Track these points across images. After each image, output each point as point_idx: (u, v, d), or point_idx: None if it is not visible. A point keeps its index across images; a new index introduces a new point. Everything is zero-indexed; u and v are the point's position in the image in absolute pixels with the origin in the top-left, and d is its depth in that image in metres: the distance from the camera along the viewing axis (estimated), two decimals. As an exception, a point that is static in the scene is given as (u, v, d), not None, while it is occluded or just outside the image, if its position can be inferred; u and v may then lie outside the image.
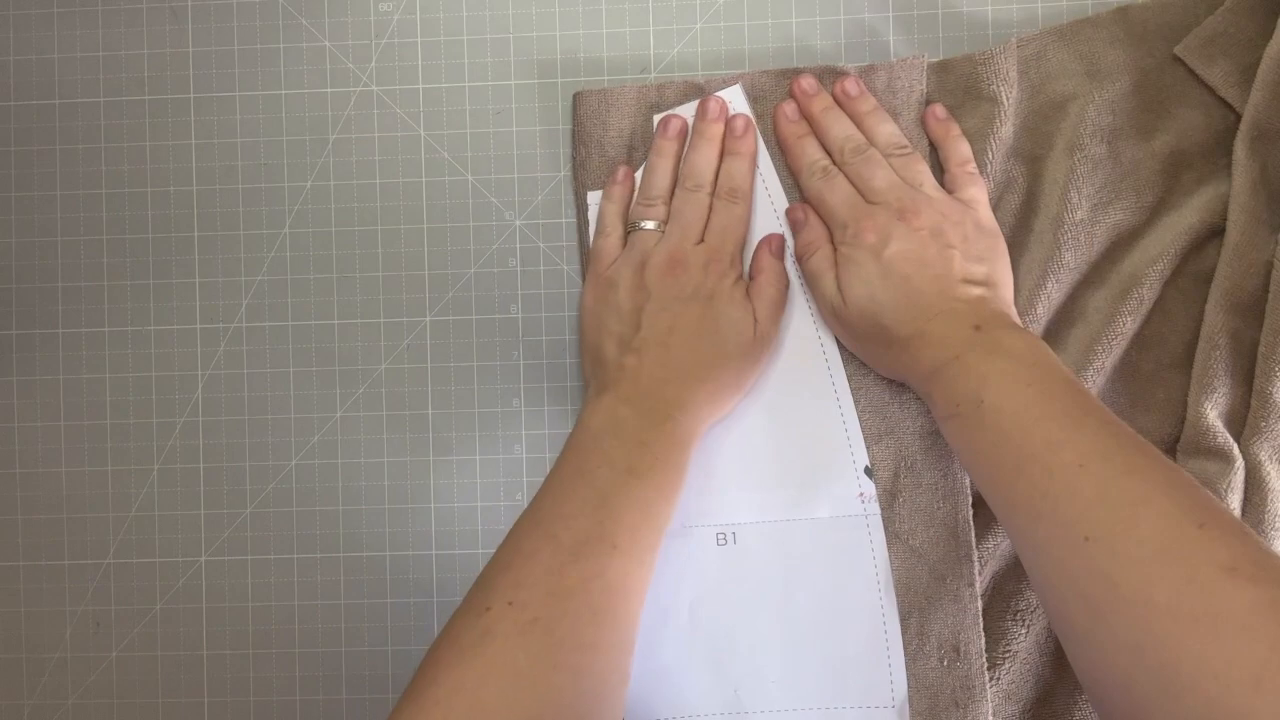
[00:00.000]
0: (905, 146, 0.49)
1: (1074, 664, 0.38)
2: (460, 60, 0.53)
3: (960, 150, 0.49)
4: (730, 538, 0.49)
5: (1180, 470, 0.38)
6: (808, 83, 0.50)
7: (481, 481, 0.52)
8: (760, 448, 0.50)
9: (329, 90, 0.53)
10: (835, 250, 0.48)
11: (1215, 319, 0.47)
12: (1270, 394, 0.45)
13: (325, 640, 0.52)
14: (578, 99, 0.52)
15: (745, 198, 0.50)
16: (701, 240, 0.49)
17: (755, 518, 0.49)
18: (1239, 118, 0.47)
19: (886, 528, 0.49)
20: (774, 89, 0.51)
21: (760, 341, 0.48)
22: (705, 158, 0.50)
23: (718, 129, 0.50)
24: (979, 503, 0.49)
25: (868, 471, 0.49)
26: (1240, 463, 0.45)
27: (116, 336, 0.53)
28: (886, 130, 0.49)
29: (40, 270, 0.53)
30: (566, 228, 0.52)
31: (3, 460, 0.53)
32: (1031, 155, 0.50)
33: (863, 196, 0.48)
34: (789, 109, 0.50)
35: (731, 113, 0.51)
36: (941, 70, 0.50)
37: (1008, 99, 0.49)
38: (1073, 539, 0.37)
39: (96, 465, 0.53)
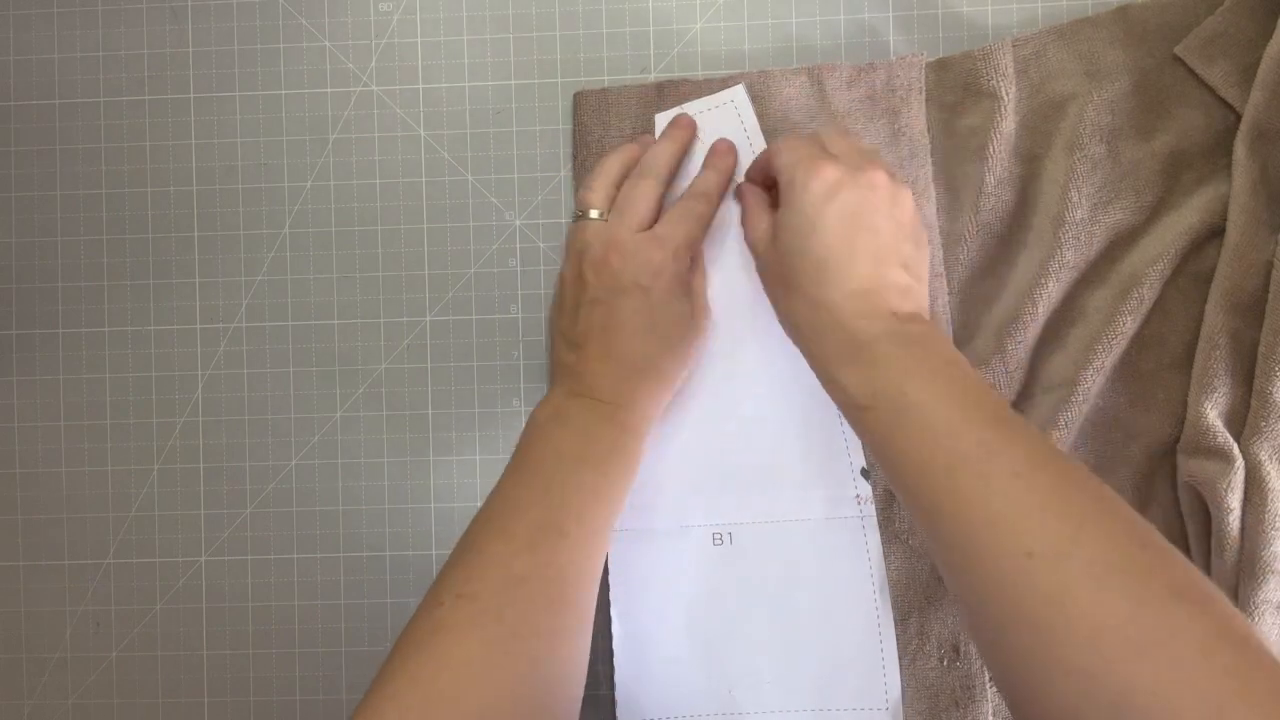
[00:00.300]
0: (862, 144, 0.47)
1: (1007, 691, 0.35)
2: (460, 60, 0.53)
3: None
4: (726, 538, 0.50)
5: (1112, 492, 0.36)
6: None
7: (481, 481, 0.52)
8: (757, 449, 0.50)
9: (329, 90, 0.53)
10: (766, 194, 0.47)
11: (1215, 319, 0.47)
12: (1270, 394, 0.45)
13: (325, 640, 0.52)
14: (578, 99, 0.52)
15: (711, 204, 0.49)
16: (647, 230, 0.47)
17: (752, 518, 0.49)
18: (1239, 118, 0.47)
19: (886, 528, 0.49)
20: (774, 91, 0.51)
21: (699, 322, 0.48)
22: (665, 152, 0.49)
23: (685, 134, 0.50)
24: None
25: (864, 473, 0.49)
26: (1240, 463, 0.45)
27: (116, 336, 0.53)
28: (847, 139, 0.48)
29: (40, 270, 0.53)
30: (566, 228, 0.52)
31: (3, 460, 0.53)
32: (1031, 154, 0.50)
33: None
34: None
35: (737, 113, 0.51)
36: (940, 68, 0.50)
37: (1008, 95, 0.49)
38: (1013, 553, 0.34)
39: (96, 465, 0.53)
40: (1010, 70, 0.49)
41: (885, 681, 0.48)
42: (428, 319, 0.53)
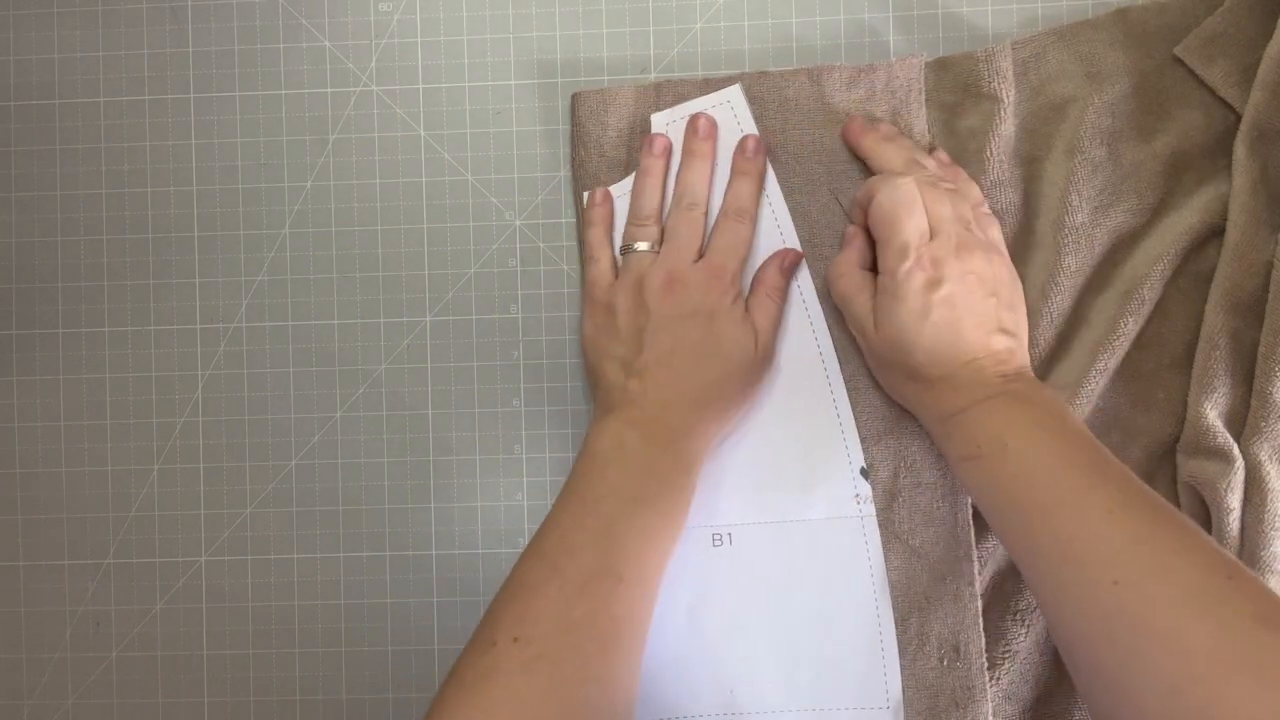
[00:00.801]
0: (952, 183, 0.47)
1: (1096, 710, 0.38)
2: (460, 60, 0.53)
3: (974, 192, 0.48)
4: (726, 539, 0.50)
5: (1199, 528, 0.38)
6: (857, 124, 0.49)
7: (481, 481, 0.52)
8: (756, 449, 0.50)
9: (329, 90, 0.53)
10: (869, 272, 0.47)
11: (1215, 319, 0.47)
12: (1270, 394, 0.45)
13: (325, 640, 0.52)
14: (576, 99, 0.52)
15: (752, 219, 0.49)
16: (699, 258, 0.48)
17: (751, 519, 0.49)
18: (1239, 118, 0.47)
19: (886, 528, 0.49)
20: (773, 92, 0.51)
21: (761, 358, 0.48)
22: (699, 175, 0.50)
23: (709, 146, 0.50)
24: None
25: (864, 473, 0.49)
26: (1240, 463, 0.45)
27: (116, 336, 0.53)
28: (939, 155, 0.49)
29: (40, 270, 0.53)
30: (566, 228, 0.52)
31: (3, 460, 0.53)
32: (1030, 157, 0.50)
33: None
34: (861, 121, 0.49)
35: (733, 112, 0.51)
36: (940, 68, 0.50)
37: (1007, 97, 0.49)
38: (1102, 582, 0.37)
39: (96, 465, 0.53)
40: (1010, 73, 0.49)
41: (886, 681, 0.48)
42: (428, 319, 0.53)
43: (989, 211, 0.48)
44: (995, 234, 0.47)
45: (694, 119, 0.50)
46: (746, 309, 0.48)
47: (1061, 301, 0.49)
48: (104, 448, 0.53)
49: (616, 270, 0.50)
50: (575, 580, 0.41)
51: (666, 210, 0.50)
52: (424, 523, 0.52)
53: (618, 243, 0.51)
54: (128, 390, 0.53)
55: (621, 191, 0.51)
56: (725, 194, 0.50)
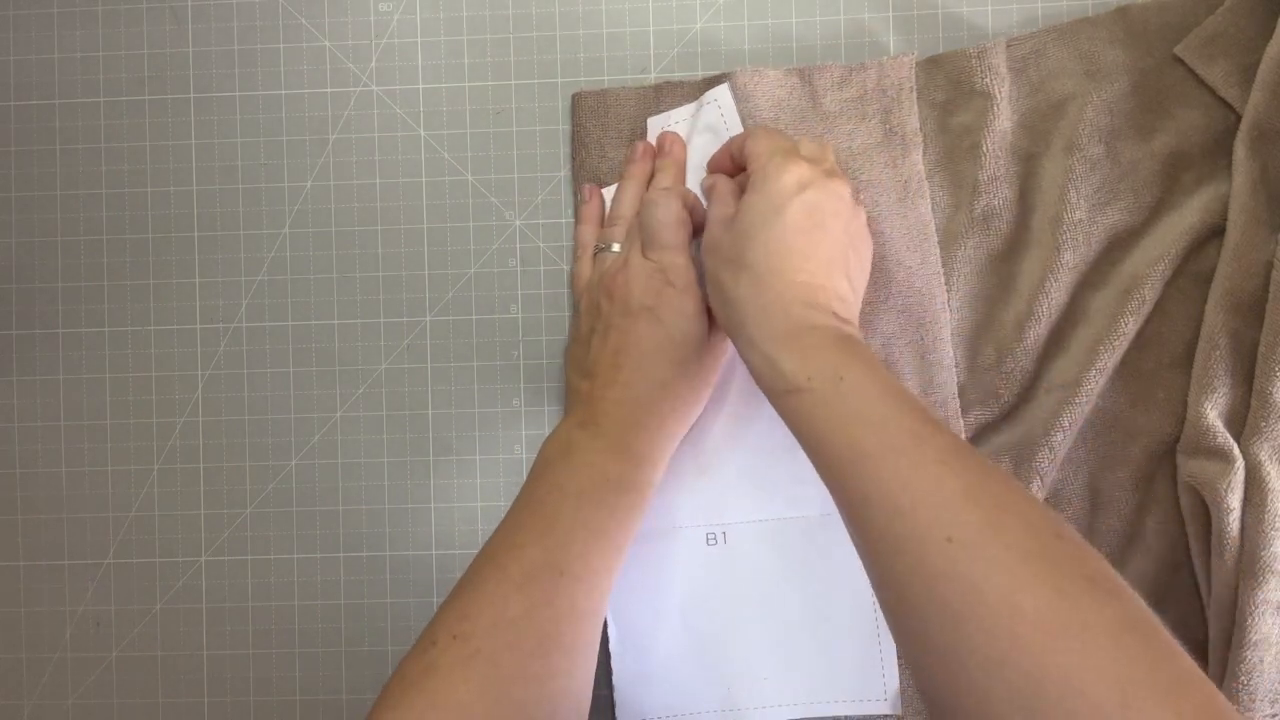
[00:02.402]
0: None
1: (920, 677, 0.36)
2: (460, 60, 0.53)
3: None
4: (720, 537, 0.50)
5: (1021, 483, 0.37)
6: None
7: (481, 481, 0.52)
8: (750, 447, 0.50)
9: (329, 90, 0.53)
10: (736, 186, 0.47)
11: (1215, 319, 0.47)
12: (1270, 394, 0.45)
13: (325, 640, 0.52)
14: (576, 100, 0.52)
15: (677, 194, 0.48)
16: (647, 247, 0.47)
17: (745, 517, 0.49)
18: (1239, 118, 0.47)
19: None
20: (765, 91, 0.51)
21: (715, 352, 0.47)
22: (669, 173, 0.50)
23: (680, 149, 0.51)
24: None
25: None
26: (1240, 463, 0.45)
27: (116, 336, 0.53)
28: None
29: (40, 270, 0.53)
30: (566, 228, 0.52)
31: (3, 460, 0.53)
32: (1028, 154, 0.50)
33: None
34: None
35: (720, 112, 0.50)
36: (931, 66, 0.50)
37: (1000, 94, 0.49)
38: (935, 538, 0.34)
39: (96, 465, 0.53)
40: (1004, 69, 0.49)
41: (884, 675, 0.48)
42: (428, 319, 0.53)
43: (861, 206, 0.48)
44: (863, 215, 0.47)
45: (661, 138, 0.51)
46: (701, 297, 0.46)
47: (1059, 297, 0.49)
48: (104, 448, 0.53)
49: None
50: (515, 577, 0.41)
51: None
52: (424, 523, 0.52)
53: None
54: (128, 390, 0.53)
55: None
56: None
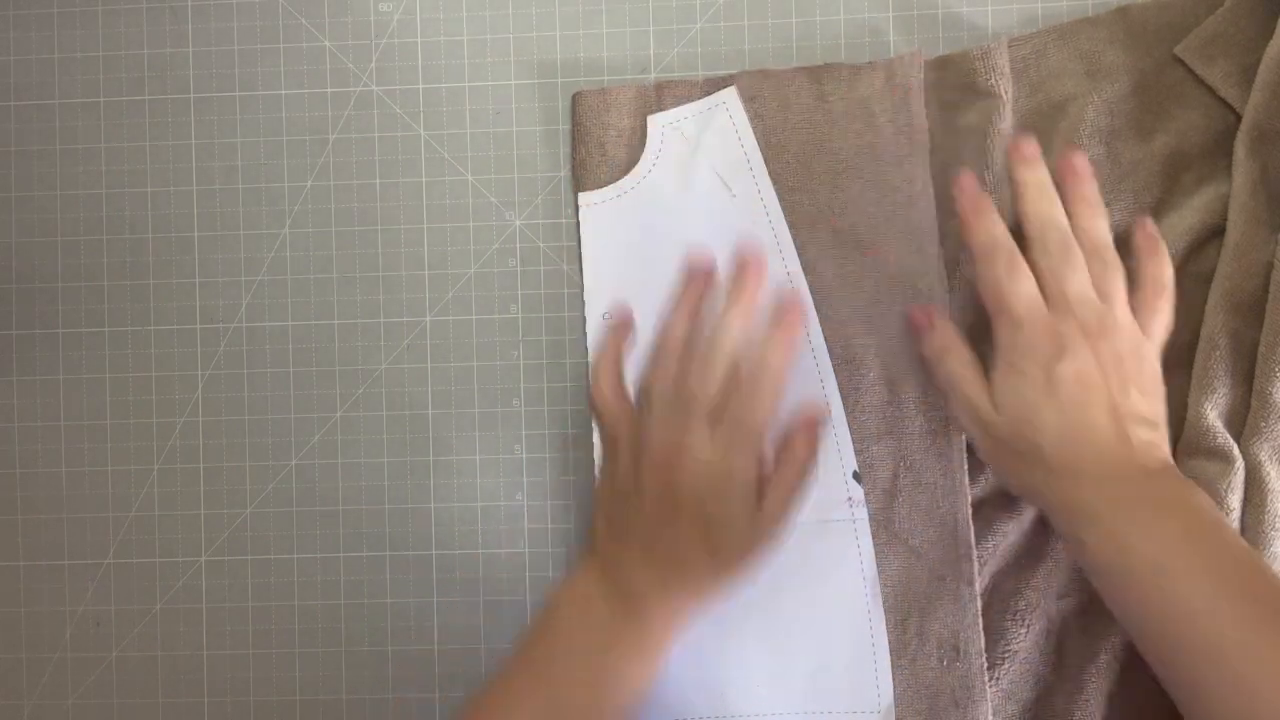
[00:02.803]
0: (1110, 249, 0.44)
1: None
2: (460, 60, 0.53)
3: (1162, 272, 0.44)
4: None
5: None
6: (1029, 149, 0.45)
7: (481, 481, 0.52)
8: None
9: (329, 90, 0.53)
10: (971, 351, 0.45)
11: (1215, 319, 0.47)
12: (1270, 394, 0.45)
13: (325, 640, 0.52)
14: (576, 99, 0.52)
15: (782, 376, 0.44)
16: (714, 420, 0.43)
17: None
18: (1239, 118, 0.47)
19: (886, 528, 0.49)
20: (773, 91, 0.51)
21: (760, 547, 0.44)
22: (735, 324, 0.44)
23: (755, 297, 0.44)
24: (978, 502, 0.49)
25: (856, 476, 0.49)
26: (1240, 463, 0.45)
27: (116, 336, 0.53)
28: (1098, 228, 0.44)
29: (40, 270, 0.53)
30: (566, 228, 0.52)
31: (3, 460, 0.53)
32: None
33: (1045, 298, 0.43)
34: (968, 182, 0.45)
35: (729, 115, 0.50)
36: (940, 67, 0.50)
37: (1006, 94, 0.49)
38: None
39: (96, 465, 0.53)
40: (1007, 69, 0.49)
41: (878, 685, 0.48)
42: (428, 319, 0.53)
43: (1166, 304, 0.44)
44: (1158, 329, 0.43)
45: (744, 261, 0.44)
46: (760, 491, 0.43)
47: None
48: (104, 448, 0.53)
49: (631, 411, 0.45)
50: None
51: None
52: (424, 523, 0.52)
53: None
54: (128, 390, 0.53)
55: (618, 192, 0.51)
56: (753, 347, 0.44)
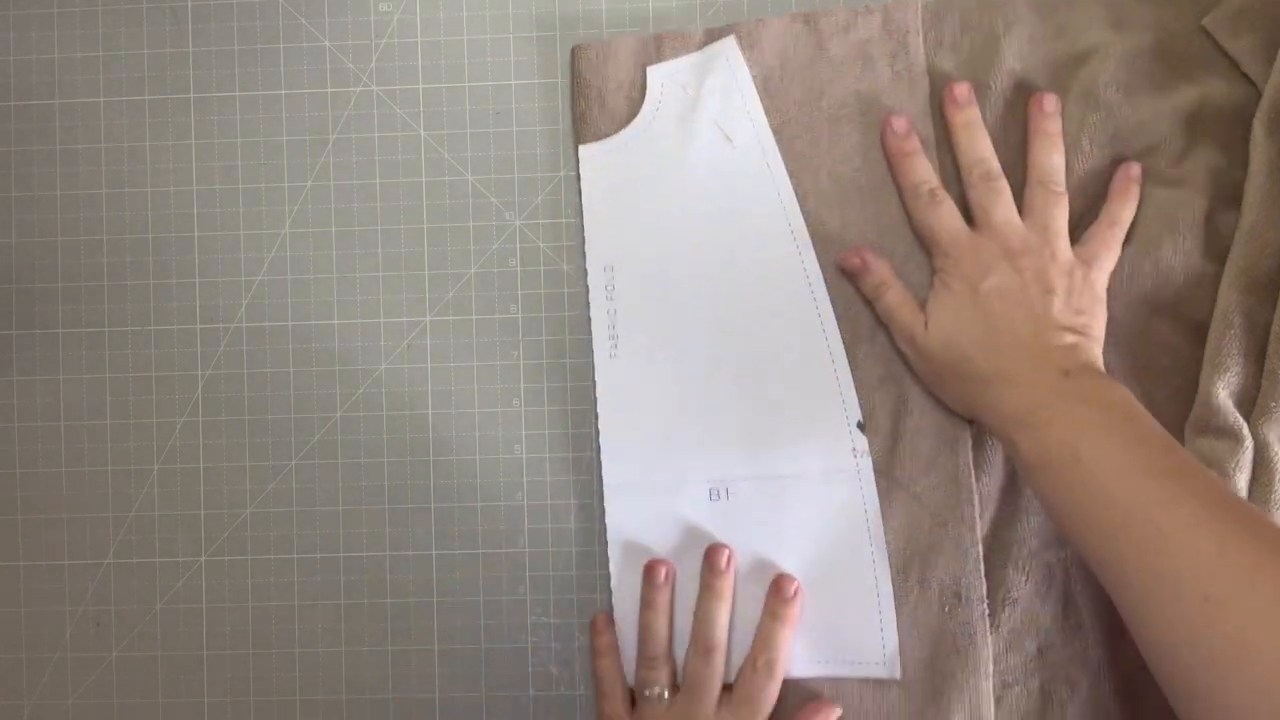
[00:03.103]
0: (1057, 182, 0.47)
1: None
2: (460, 60, 0.53)
3: (1050, 161, 0.48)
4: (723, 493, 0.50)
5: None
6: (961, 91, 0.49)
7: (481, 481, 0.52)
8: (752, 403, 0.50)
9: (329, 90, 0.53)
10: (901, 283, 0.48)
11: (1229, 298, 0.47)
12: (1282, 374, 0.45)
13: (325, 640, 0.52)
14: (576, 52, 0.52)
15: (781, 669, 0.48)
16: (721, 705, 0.47)
17: (748, 472, 0.50)
18: (1260, 95, 0.47)
19: (887, 474, 0.49)
20: (771, 38, 0.51)
21: None
22: (717, 613, 0.48)
23: (726, 583, 0.48)
24: (977, 446, 0.49)
25: (860, 426, 0.49)
26: (1249, 442, 0.45)
27: (116, 336, 0.53)
28: (1050, 161, 0.48)
29: (40, 270, 0.53)
30: (566, 228, 0.52)
31: (3, 460, 0.53)
32: None
33: (975, 226, 0.47)
34: (899, 124, 0.49)
35: (728, 65, 0.50)
36: (938, 8, 0.50)
37: (1012, 35, 0.49)
38: (1190, 598, 0.36)
39: (96, 465, 0.53)
40: (1023, 9, 0.49)
41: (882, 634, 0.48)
42: (428, 319, 0.53)
43: (1060, 190, 0.47)
44: (1057, 214, 0.47)
45: (712, 552, 0.49)
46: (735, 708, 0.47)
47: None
48: (104, 448, 0.53)
49: (632, 703, 0.49)
50: None
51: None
52: (424, 523, 0.52)
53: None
54: (128, 390, 0.53)
55: (618, 144, 0.51)
56: (752, 639, 0.48)
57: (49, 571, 0.53)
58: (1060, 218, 0.47)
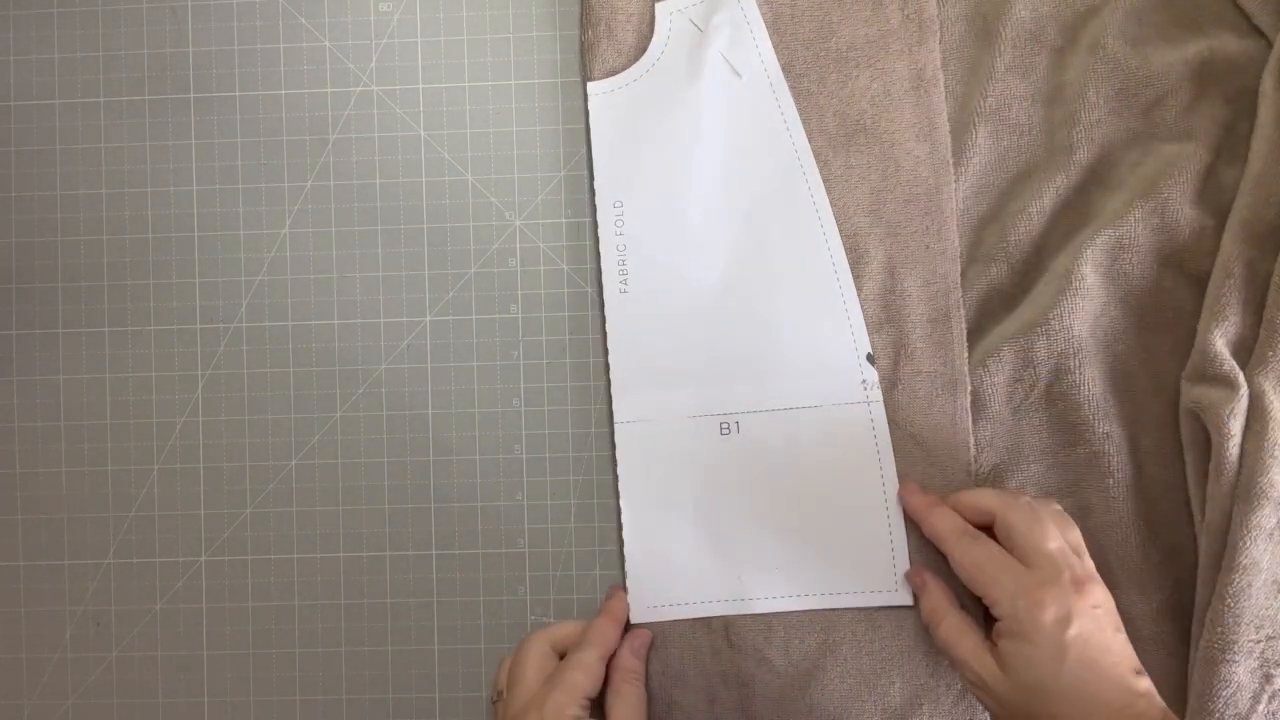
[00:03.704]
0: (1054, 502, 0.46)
1: None
2: (460, 60, 0.53)
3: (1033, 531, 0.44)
4: (734, 427, 0.50)
5: None
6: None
7: (481, 481, 0.52)
8: (762, 336, 0.50)
9: (329, 90, 0.53)
10: (963, 615, 0.46)
11: (1232, 247, 0.47)
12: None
13: (325, 640, 0.52)
14: None
15: (597, 671, 0.47)
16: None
17: (758, 407, 0.50)
18: (1270, 47, 0.47)
19: (887, 415, 0.49)
20: None
21: None
22: (609, 629, 0.49)
23: (623, 612, 0.49)
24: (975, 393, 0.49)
25: (870, 359, 0.49)
26: (1245, 390, 0.45)
27: (116, 336, 0.53)
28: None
29: (40, 270, 0.53)
30: (567, 227, 0.52)
31: (3, 460, 0.53)
32: (1055, 47, 0.50)
33: (1023, 561, 0.44)
34: (908, 491, 0.48)
35: (740, 6, 0.50)
36: None
37: None
38: None
39: (96, 465, 0.53)
40: None
41: (895, 565, 0.49)
42: (428, 319, 0.53)
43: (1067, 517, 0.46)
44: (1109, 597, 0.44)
45: (613, 602, 0.50)
46: (605, 704, 0.47)
47: (1069, 195, 0.49)
48: (104, 448, 0.53)
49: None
50: None
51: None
52: (424, 523, 0.52)
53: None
54: (128, 390, 0.53)
55: (627, 81, 0.51)
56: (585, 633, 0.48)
57: (49, 571, 0.53)
58: (1082, 542, 0.45)
